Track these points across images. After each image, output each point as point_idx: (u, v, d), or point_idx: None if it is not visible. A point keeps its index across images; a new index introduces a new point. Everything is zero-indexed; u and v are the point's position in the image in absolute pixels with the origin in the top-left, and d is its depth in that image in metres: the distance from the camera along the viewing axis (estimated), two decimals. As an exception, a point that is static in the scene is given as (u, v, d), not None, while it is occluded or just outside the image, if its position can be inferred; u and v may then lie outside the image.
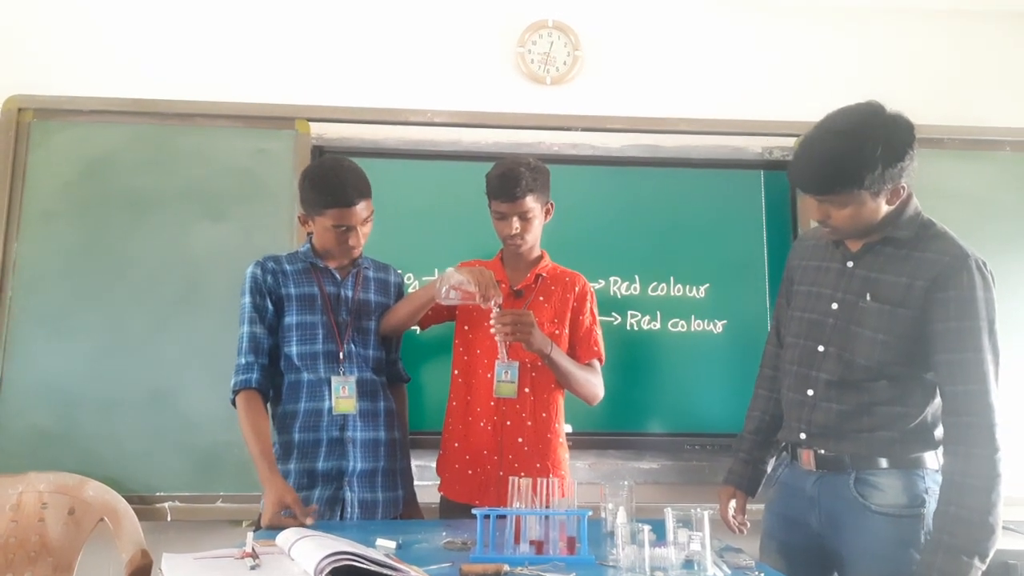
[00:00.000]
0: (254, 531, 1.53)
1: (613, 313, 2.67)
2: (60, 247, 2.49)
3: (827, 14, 2.94)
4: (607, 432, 2.63)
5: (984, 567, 1.41)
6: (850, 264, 1.62)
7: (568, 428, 2.58)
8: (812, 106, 2.76)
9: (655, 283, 2.68)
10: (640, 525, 1.34)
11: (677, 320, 2.68)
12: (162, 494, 2.40)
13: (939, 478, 1.51)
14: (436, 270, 2.54)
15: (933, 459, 1.55)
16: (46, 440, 2.39)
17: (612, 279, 2.69)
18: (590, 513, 1.42)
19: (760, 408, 1.85)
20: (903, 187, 1.52)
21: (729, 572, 1.32)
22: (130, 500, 2.31)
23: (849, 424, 1.57)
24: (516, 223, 1.96)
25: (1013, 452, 2.60)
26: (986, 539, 1.41)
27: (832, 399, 1.59)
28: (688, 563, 1.31)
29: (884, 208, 1.53)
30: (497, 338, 1.86)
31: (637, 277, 2.70)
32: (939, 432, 1.56)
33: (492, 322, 1.85)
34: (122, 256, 2.50)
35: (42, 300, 2.46)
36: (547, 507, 1.47)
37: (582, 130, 2.73)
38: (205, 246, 2.53)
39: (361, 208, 1.84)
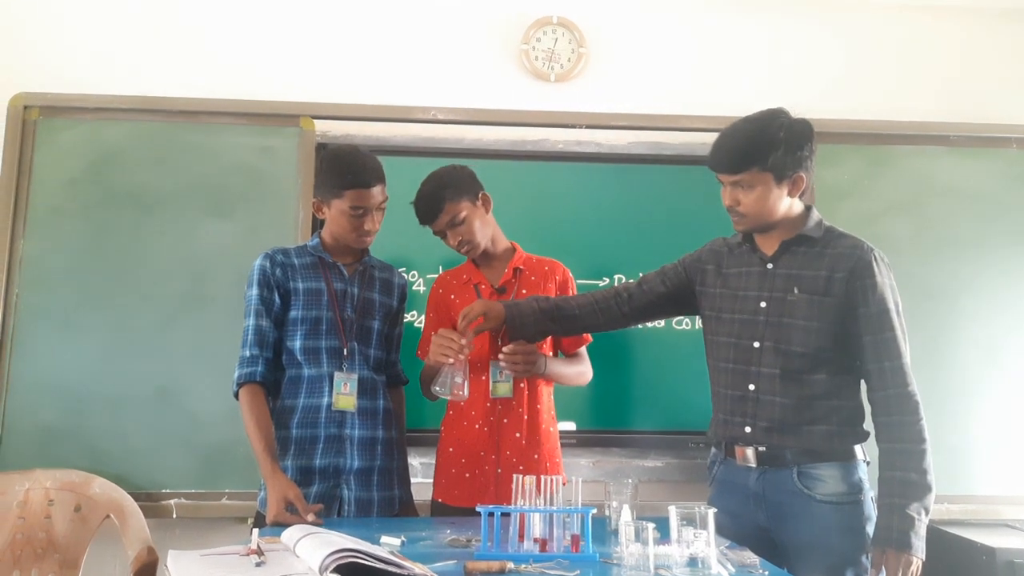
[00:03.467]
0: (256, 528, 1.53)
1: (618, 311, 2.67)
2: (66, 245, 2.50)
3: (835, 12, 2.93)
4: (611, 430, 2.64)
5: (927, 520, 1.59)
6: (770, 266, 1.75)
7: (572, 426, 2.60)
8: (818, 102, 2.78)
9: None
10: (644, 523, 1.34)
11: (681, 318, 2.67)
12: (168, 491, 2.41)
13: (867, 469, 1.69)
14: (440, 267, 2.54)
15: (861, 452, 1.69)
16: (53, 437, 2.40)
17: (617, 277, 2.69)
18: (594, 511, 1.42)
19: (597, 302, 1.94)
20: (802, 178, 1.68)
21: (733, 570, 1.32)
22: (136, 497, 2.31)
23: (792, 418, 1.67)
24: (454, 234, 1.99)
25: (1015, 454, 2.62)
26: (928, 496, 1.59)
27: (776, 392, 1.68)
28: (692, 561, 1.30)
29: (786, 199, 1.70)
30: (509, 372, 1.95)
31: (641, 275, 2.69)
32: (867, 425, 1.70)
33: (503, 364, 1.92)
34: (128, 253, 2.51)
35: (49, 297, 2.47)
36: (551, 505, 1.47)
37: (586, 127, 2.73)
38: (211, 243, 2.53)
39: (378, 191, 1.86)
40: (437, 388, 1.84)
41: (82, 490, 2.30)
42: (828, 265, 1.68)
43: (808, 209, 1.76)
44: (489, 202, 2.05)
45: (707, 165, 1.73)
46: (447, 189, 1.96)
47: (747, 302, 1.75)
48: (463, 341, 1.82)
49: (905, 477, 1.59)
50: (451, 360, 1.81)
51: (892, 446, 1.62)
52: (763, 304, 1.72)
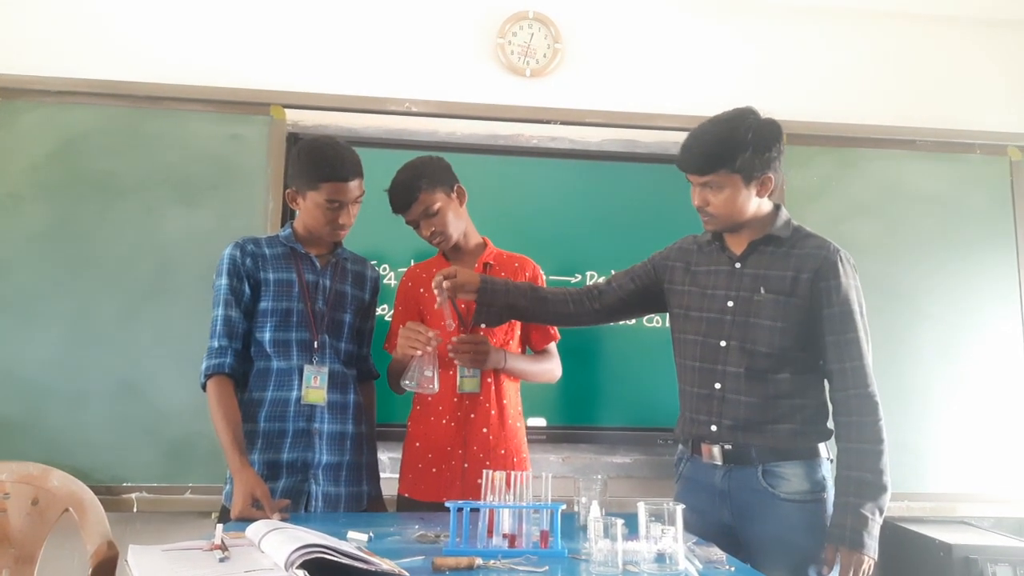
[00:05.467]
0: (220, 522, 1.51)
1: (589, 307, 2.68)
2: (26, 231, 2.44)
3: (806, 15, 2.97)
4: (581, 426, 2.64)
5: (881, 520, 1.61)
6: (738, 265, 1.76)
7: (542, 422, 2.60)
8: (789, 104, 2.82)
9: (631, 278, 2.69)
10: (613, 519, 1.34)
11: (652, 316, 2.69)
12: (129, 485, 2.36)
13: (832, 467, 1.70)
14: (412, 260, 2.53)
15: (824, 450, 1.72)
16: (10, 429, 2.34)
17: (588, 274, 2.70)
18: (563, 507, 1.43)
19: (570, 294, 1.94)
20: (770, 179, 1.70)
21: (700, 566, 1.33)
22: (96, 491, 2.27)
23: (757, 416, 1.69)
24: (427, 224, 1.97)
25: (972, 453, 2.69)
26: (883, 496, 1.61)
27: (741, 392, 1.70)
28: (660, 557, 1.31)
29: (754, 200, 1.72)
30: (459, 364, 1.93)
31: (613, 272, 2.69)
32: (830, 423, 1.72)
33: (451, 355, 1.91)
34: (91, 242, 2.45)
35: (7, 286, 2.40)
36: (520, 501, 1.47)
37: (560, 123, 2.74)
38: (177, 232, 2.49)
39: (355, 186, 1.84)
40: (406, 382, 1.83)
41: (40, 483, 2.24)
42: (794, 265, 1.70)
43: (777, 208, 1.78)
44: (464, 195, 2.04)
45: (676, 165, 1.74)
46: (422, 179, 1.95)
47: (715, 300, 1.76)
48: (430, 333, 1.81)
49: (861, 477, 1.61)
50: (419, 352, 1.80)
51: (850, 446, 1.64)
52: (730, 303, 1.74)
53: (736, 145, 1.65)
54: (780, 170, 1.72)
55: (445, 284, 1.80)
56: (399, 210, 1.98)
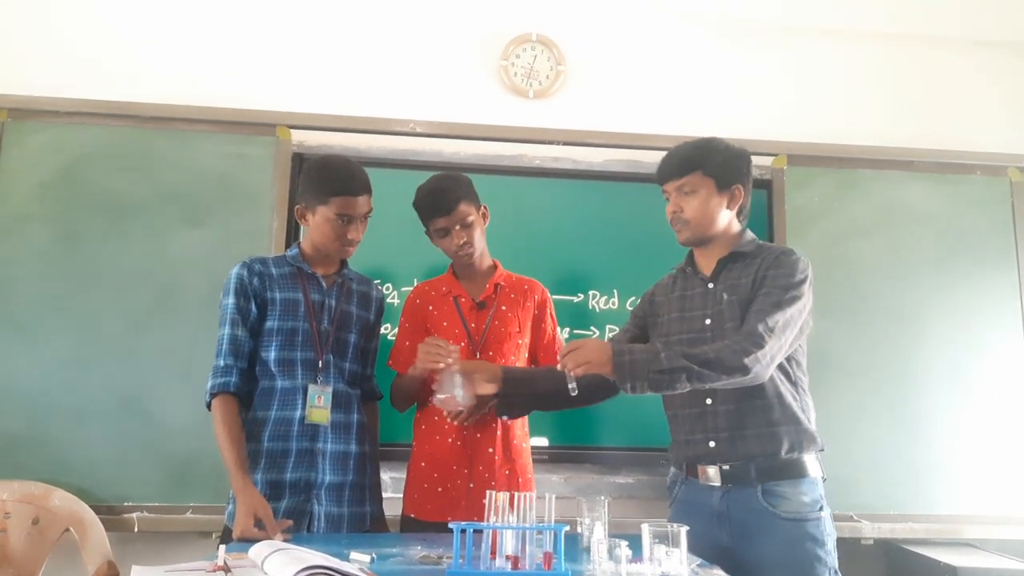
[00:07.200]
0: (222, 543, 1.51)
1: (592, 327, 2.69)
2: (33, 250, 2.45)
3: (806, 38, 3.00)
4: (583, 446, 2.64)
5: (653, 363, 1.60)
6: (711, 285, 1.81)
7: (544, 442, 2.59)
8: (790, 125, 2.85)
9: (634, 298, 2.70)
10: (617, 540, 1.34)
11: (655, 335, 2.69)
12: (131, 504, 2.35)
13: (824, 486, 1.72)
14: (415, 280, 2.54)
15: (816, 466, 1.72)
16: (12, 447, 2.34)
17: (591, 293, 2.71)
18: (567, 528, 1.42)
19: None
20: (740, 191, 1.79)
21: (704, 589, 1.33)
22: (97, 510, 2.26)
23: (747, 420, 1.71)
24: (460, 233, 1.98)
25: (978, 474, 2.67)
26: (660, 361, 1.60)
27: (729, 400, 1.73)
28: (664, 579, 1.31)
29: (725, 212, 1.79)
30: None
31: (616, 292, 2.72)
32: (815, 428, 1.74)
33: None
34: (97, 260, 2.47)
35: (13, 303, 2.41)
36: (524, 522, 1.46)
37: (563, 144, 2.76)
38: (182, 252, 2.50)
39: (364, 201, 1.86)
40: (440, 396, 1.81)
41: (41, 502, 2.23)
42: (754, 270, 1.76)
43: (745, 230, 1.84)
44: (487, 216, 2.07)
45: (655, 180, 1.81)
46: (462, 188, 1.98)
47: (693, 322, 1.80)
48: (451, 347, 1.81)
49: (706, 354, 1.59)
50: (441, 365, 1.79)
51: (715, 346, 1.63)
52: (708, 321, 1.77)
53: (710, 151, 1.77)
54: (749, 190, 1.81)
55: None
56: (442, 212, 1.96)
